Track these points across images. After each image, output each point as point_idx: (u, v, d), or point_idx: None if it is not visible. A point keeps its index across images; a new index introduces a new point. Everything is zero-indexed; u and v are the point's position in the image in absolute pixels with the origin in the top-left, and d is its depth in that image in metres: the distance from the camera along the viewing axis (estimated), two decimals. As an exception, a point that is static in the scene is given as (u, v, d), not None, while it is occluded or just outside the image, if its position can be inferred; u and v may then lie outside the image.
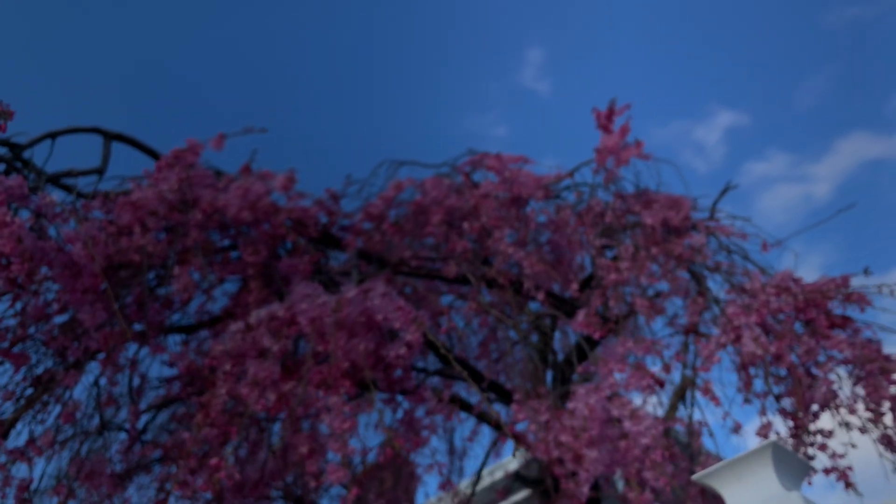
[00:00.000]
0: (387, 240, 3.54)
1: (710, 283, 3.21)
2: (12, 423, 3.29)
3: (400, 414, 2.71)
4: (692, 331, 2.92)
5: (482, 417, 3.23)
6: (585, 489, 2.03)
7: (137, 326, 3.24)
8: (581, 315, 2.56)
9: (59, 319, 3.16)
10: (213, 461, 1.98)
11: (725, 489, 1.33)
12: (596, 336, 2.55)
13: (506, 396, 3.21)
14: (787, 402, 2.35)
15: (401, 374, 2.44)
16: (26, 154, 3.33)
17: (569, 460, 2.01)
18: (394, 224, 3.53)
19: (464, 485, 4.32)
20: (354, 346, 2.13)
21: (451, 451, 3.79)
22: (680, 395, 3.67)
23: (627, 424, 2.01)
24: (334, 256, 3.87)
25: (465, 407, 3.24)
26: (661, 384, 2.18)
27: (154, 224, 3.16)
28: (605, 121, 3.63)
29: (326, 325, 2.14)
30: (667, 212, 3.03)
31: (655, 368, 2.28)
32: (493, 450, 3.62)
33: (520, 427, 2.58)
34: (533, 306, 3.81)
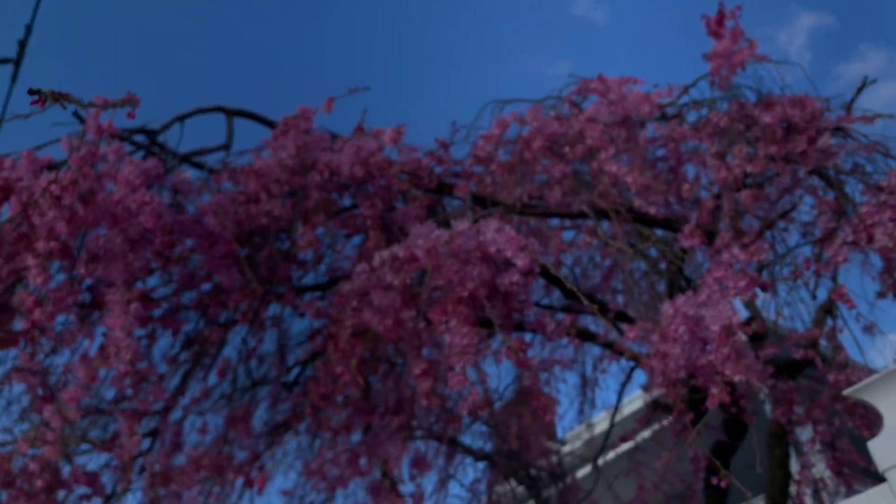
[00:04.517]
0: (497, 180, 3.53)
1: (847, 189, 2.97)
2: (183, 385, 3.67)
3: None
4: (828, 238, 2.73)
5: (609, 346, 3.20)
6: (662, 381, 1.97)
7: (277, 288, 3.47)
8: (687, 228, 2.46)
9: (206, 287, 3.46)
10: (340, 369, 2.12)
11: (882, 403, 1.24)
12: (696, 243, 2.45)
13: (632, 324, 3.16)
14: (939, 303, 2.15)
15: (519, 304, 2.46)
16: (160, 139, 3.62)
17: (657, 361, 1.97)
18: (502, 163, 3.52)
19: (602, 417, 4.32)
20: (468, 274, 2.18)
21: (584, 383, 3.80)
22: (826, 310, 3.45)
23: (709, 321, 1.91)
24: (449, 203, 3.92)
25: (591, 337, 3.23)
26: (764, 287, 2.06)
27: (277, 190, 3.35)
28: (716, 26, 3.41)
29: (441, 255, 2.21)
30: (789, 110, 2.81)
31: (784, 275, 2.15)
32: (628, 380, 3.59)
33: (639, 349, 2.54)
34: (658, 232, 3.69)
